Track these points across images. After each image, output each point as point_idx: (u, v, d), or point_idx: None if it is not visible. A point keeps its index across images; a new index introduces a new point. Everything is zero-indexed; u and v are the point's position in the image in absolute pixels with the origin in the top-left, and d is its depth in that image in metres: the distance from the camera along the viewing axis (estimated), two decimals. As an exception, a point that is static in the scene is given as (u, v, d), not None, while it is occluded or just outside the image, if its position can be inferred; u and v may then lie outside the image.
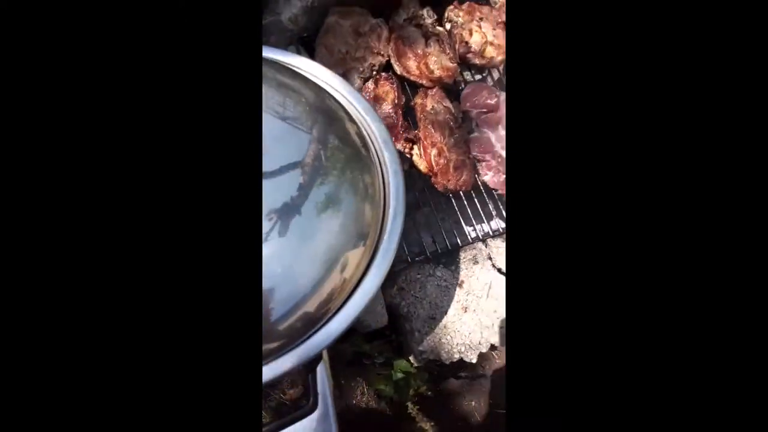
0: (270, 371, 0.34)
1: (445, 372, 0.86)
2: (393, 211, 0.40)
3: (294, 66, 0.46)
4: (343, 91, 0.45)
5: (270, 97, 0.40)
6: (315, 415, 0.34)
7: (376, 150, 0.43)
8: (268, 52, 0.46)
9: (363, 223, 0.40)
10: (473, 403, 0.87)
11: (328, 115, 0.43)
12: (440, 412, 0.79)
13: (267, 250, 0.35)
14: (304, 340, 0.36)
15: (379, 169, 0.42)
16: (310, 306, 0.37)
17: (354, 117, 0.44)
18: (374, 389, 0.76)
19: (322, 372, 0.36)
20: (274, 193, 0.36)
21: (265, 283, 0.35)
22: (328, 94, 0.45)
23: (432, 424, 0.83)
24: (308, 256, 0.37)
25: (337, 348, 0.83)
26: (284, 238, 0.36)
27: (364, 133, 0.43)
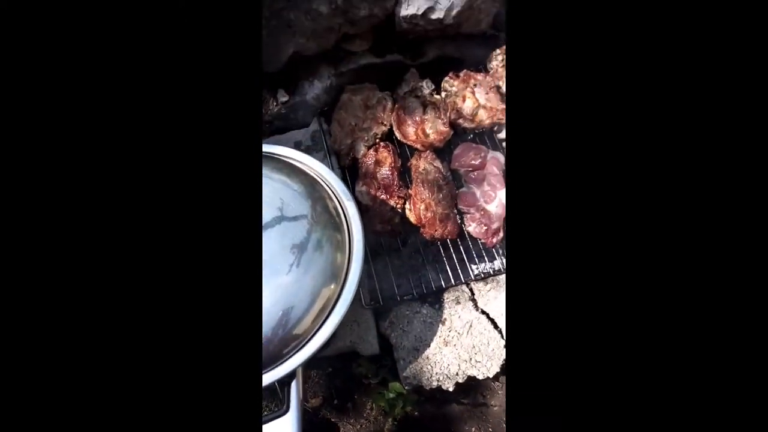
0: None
1: (449, 396, 0.95)
2: (356, 261, 0.55)
3: (293, 158, 0.64)
4: (327, 177, 0.61)
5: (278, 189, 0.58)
6: (287, 417, 0.49)
7: (346, 219, 0.58)
8: (270, 148, 0.64)
9: (335, 266, 0.55)
10: (473, 429, 0.94)
11: (317, 193, 0.59)
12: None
13: (288, 279, 0.50)
14: (284, 361, 0.51)
15: (347, 231, 0.57)
16: (299, 329, 0.52)
17: (332, 195, 0.59)
18: (377, 405, 0.88)
19: (294, 384, 0.51)
20: (293, 231, 0.52)
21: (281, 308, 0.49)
22: (318, 181, 0.62)
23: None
24: (308, 288, 0.52)
25: (350, 369, 0.97)
26: (300, 269, 0.50)
27: (339, 207, 0.59)
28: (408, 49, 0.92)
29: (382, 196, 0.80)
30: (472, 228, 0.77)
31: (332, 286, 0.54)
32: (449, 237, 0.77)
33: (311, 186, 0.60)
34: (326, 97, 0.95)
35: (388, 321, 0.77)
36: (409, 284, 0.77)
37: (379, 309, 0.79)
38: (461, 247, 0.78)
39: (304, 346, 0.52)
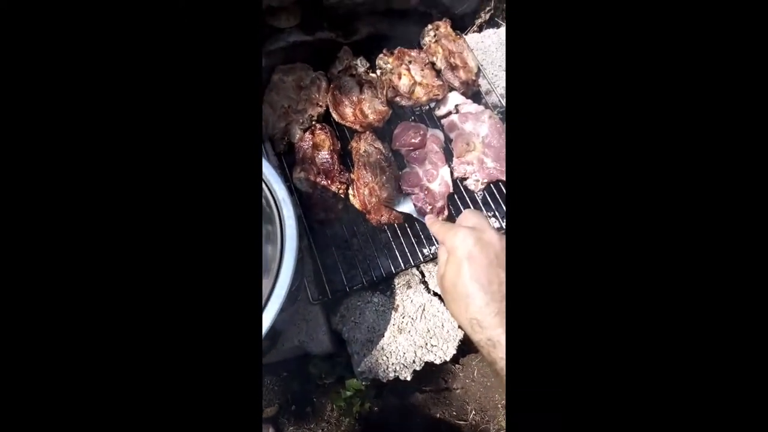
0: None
1: (410, 386, 0.92)
2: (288, 253, 0.49)
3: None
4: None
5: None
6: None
7: (277, 207, 0.51)
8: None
9: (266, 261, 0.48)
10: (438, 414, 0.92)
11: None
12: (392, 426, 0.85)
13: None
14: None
15: (278, 221, 0.51)
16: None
17: (263, 180, 0.53)
18: (337, 405, 0.83)
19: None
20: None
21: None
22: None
23: (397, 436, 0.89)
24: None
25: (307, 371, 0.91)
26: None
27: (268, 194, 0.52)
28: (339, 26, 0.87)
29: (323, 182, 0.75)
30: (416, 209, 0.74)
31: (264, 281, 0.48)
32: (396, 222, 0.73)
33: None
34: (253, 81, 0.87)
35: (339, 315, 0.72)
36: (359, 274, 0.72)
37: (329, 303, 0.74)
38: (409, 231, 0.74)
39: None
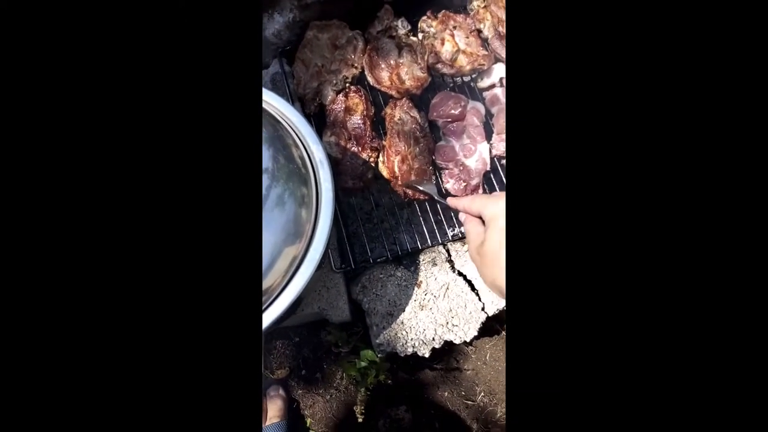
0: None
1: (422, 362, 0.93)
2: (323, 217, 0.46)
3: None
4: (293, 119, 0.51)
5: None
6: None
7: (313, 168, 0.49)
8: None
9: (299, 224, 0.46)
10: (446, 393, 0.92)
11: (279, 140, 0.49)
12: (400, 400, 0.85)
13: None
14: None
15: (314, 184, 0.48)
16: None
17: (298, 141, 0.50)
18: (348, 374, 0.84)
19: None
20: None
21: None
22: (281, 123, 0.51)
23: (404, 408, 0.90)
24: (267, 246, 0.44)
25: (318, 338, 0.91)
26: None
27: (305, 155, 0.49)
28: (381, -18, 0.81)
29: (353, 148, 0.71)
30: (450, 185, 0.71)
31: (297, 245, 0.46)
32: (422, 197, 0.70)
33: (273, 129, 0.50)
34: (288, 34, 0.83)
35: (360, 285, 0.71)
36: (382, 247, 0.70)
37: (351, 273, 0.73)
38: (438, 207, 0.72)
39: (265, 310, 0.44)
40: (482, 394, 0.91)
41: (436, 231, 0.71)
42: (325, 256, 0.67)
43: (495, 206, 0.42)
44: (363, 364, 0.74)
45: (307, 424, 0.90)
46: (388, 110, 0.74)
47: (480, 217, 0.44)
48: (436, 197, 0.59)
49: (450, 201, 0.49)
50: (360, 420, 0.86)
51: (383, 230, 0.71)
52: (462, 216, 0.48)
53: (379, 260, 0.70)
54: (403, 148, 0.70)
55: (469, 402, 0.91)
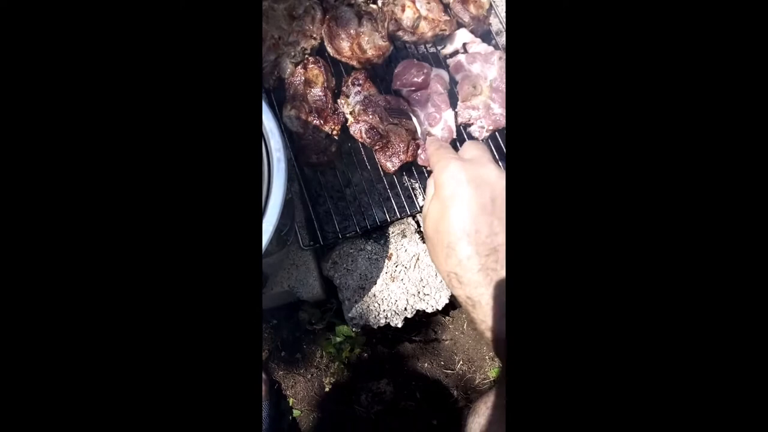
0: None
1: (400, 335, 0.93)
2: (276, 188, 0.45)
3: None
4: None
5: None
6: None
7: (264, 138, 0.47)
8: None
9: None
10: (426, 365, 0.94)
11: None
12: (381, 374, 0.86)
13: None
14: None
15: (264, 153, 0.47)
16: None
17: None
18: (326, 352, 0.84)
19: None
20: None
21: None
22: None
23: (386, 382, 0.91)
24: None
25: (296, 319, 0.91)
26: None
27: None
28: (337, -53, 0.77)
29: (315, 121, 0.69)
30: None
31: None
32: (412, 159, 0.68)
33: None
34: (241, 7, 0.79)
35: (330, 261, 0.70)
36: (352, 222, 0.69)
37: (320, 250, 0.72)
38: (406, 182, 0.71)
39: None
40: (461, 362, 0.93)
41: (405, 204, 0.70)
42: (292, 234, 0.66)
43: (443, 171, 0.37)
44: (339, 339, 0.74)
45: (290, 404, 0.90)
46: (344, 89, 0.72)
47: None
48: (419, 134, 0.51)
49: (428, 142, 0.44)
50: (330, 393, 0.86)
51: (353, 208, 0.70)
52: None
53: (348, 235, 0.69)
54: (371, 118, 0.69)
55: (449, 371, 0.92)
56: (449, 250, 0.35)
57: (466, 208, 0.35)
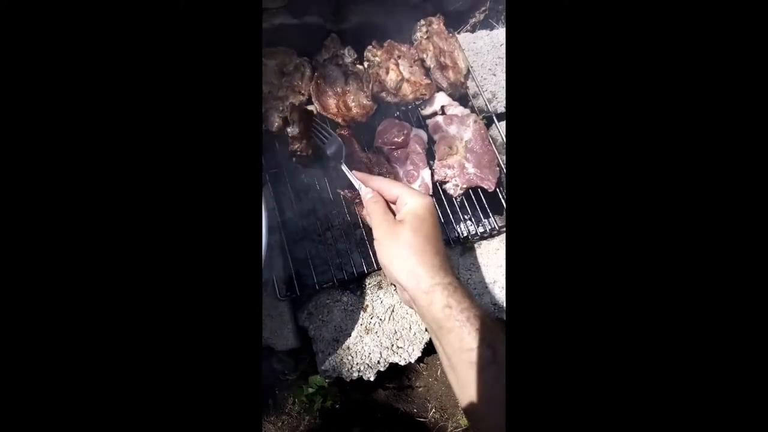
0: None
1: (374, 384, 0.93)
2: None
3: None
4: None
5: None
6: None
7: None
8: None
9: None
10: (398, 412, 0.93)
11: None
12: (353, 422, 0.86)
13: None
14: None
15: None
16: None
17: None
18: (299, 399, 0.83)
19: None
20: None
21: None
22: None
23: (359, 430, 0.90)
24: None
25: (270, 365, 0.90)
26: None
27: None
28: (328, 11, 0.83)
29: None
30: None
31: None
32: None
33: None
34: (233, 60, 0.83)
35: (306, 312, 0.71)
36: (330, 271, 0.71)
37: (296, 299, 0.73)
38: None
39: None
40: (433, 410, 0.93)
41: (382, 255, 0.72)
42: (269, 285, 0.67)
43: (416, 199, 0.44)
44: (311, 390, 0.74)
45: (259, 453, 0.88)
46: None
47: (393, 203, 0.46)
48: (356, 185, 0.56)
49: (358, 174, 0.50)
50: (312, 445, 0.85)
51: (332, 253, 0.72)
52: (365, 193, 0.49)
53: (325, 285, 0.71)
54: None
55: (422, 419, 0.92)
56: (397, 283, 0.44)
57: (436, 222, 0.46)
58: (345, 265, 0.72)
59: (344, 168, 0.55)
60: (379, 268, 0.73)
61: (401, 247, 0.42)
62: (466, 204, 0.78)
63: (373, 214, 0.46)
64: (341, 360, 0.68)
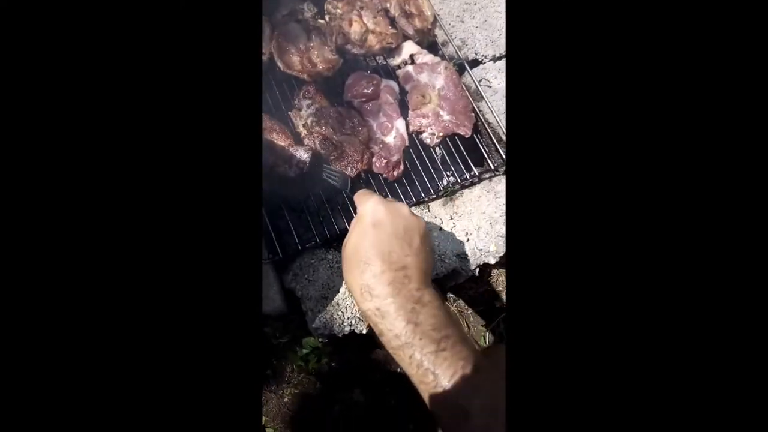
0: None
1: (371, 343, 0.94)
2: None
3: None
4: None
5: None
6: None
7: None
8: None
9: None
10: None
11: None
12: (354, 383, 0.86)
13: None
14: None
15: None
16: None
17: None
18: (296, 365, 0.83)
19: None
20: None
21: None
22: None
23: (359, 391, 0.91)
24: None
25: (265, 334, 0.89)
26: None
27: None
28: (283, -34, 0.79)
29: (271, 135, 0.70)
30: (372, 163, 0.72)
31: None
32: (367, 167, 0.70)
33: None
34: (188, 25, 0.79)
35: (291, 273, 0.70)
36: (313, 234, 0.70)
37: (281, 262, 0.72)
38: (362, 186, 0.72)
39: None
40: (432, 364, 0.94)
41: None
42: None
43: (366, 204, 0.44)
44: (305, 351, 0.74)
45: (263, 422, 0.88)
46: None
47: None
48: (339, 188, 0.57)
49: (357, 194, 0.50)
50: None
51: (315, 220, 0.71)
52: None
53: (308, 245, 0.69)
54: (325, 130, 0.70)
55: (421, 374, 0.93)
56: (365, 265, 0.41)
57: (383, 232, 0.42)
58: (327, 225, 0.70)
59: (348, 196, 0.58)
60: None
61: (344, 267, 0.42)
62: (446, 154, 0.77)
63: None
64: (331, 316, 0.68)
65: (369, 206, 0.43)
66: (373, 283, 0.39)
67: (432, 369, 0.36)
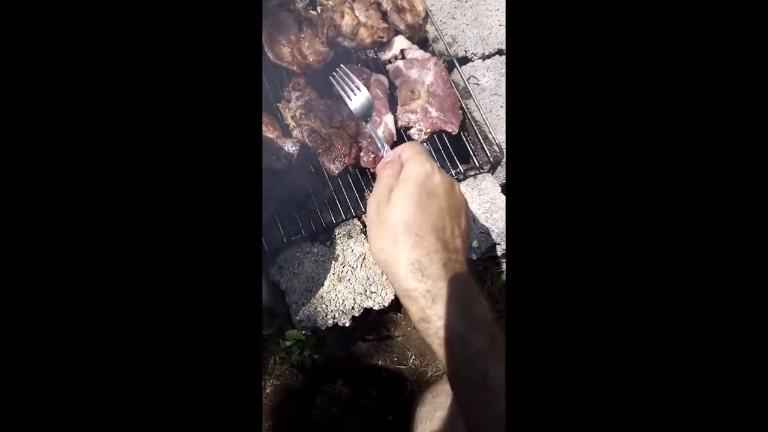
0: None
1: (354, 335, 0.95)
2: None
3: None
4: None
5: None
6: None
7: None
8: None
9: None
10: (379, 362, 0.96)
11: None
12: (336, 375, 0.87)
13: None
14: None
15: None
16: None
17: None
18: (279, 357, 0.83)
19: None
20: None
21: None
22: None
23: (341, 383, 0.92)
24: None
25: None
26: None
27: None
28: (274, -47, 0.78)
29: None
30: (360, 157, 0.72)
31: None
32: (355, 161, 0.70)
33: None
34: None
35: (276, 266, 0.70)
36: (298, 227, 0.70)
37: (266, 255, 0.71)
38: (350, 180, 0.72)
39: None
40: (413, 357, 0.96)
41: (351, 206, 0.72)
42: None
43: (419, 166, 0.36)
44: (288, 343, 0.74)
45: (244, 414, 0.88)
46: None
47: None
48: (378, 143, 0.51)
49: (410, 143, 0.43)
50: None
51: (302, 213, 0.71)
52: (386, 156, 0.41)
53: (293, 238, 0.70)
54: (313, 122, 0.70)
55: (402, 367, 0.95)
56: (418, 238, 0.35)
57: (437, 205, 0.36)
58: (313, 219, 0.70)
59: (370, 128, 0.49)
60: (347, 218, 0.72)
61: (383, 234, 0.35)
62: (433, 151, 0.78)
63: (377, 183, 0.38)
64: (315, 309, 0.68)
65: (425, 169, 0.36)
66: (426, 261, 0.34)
67: (485, 371, 0.32)
